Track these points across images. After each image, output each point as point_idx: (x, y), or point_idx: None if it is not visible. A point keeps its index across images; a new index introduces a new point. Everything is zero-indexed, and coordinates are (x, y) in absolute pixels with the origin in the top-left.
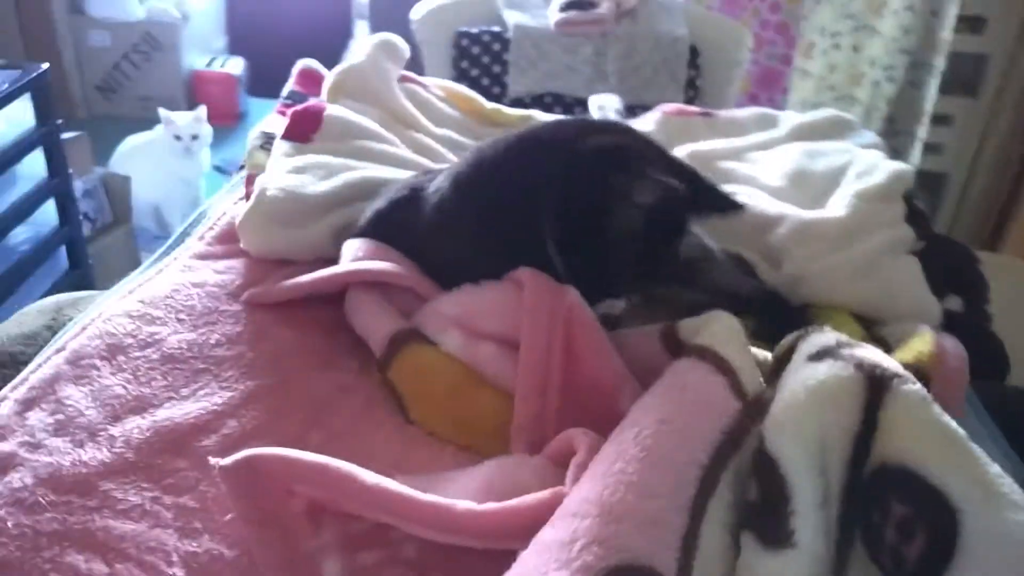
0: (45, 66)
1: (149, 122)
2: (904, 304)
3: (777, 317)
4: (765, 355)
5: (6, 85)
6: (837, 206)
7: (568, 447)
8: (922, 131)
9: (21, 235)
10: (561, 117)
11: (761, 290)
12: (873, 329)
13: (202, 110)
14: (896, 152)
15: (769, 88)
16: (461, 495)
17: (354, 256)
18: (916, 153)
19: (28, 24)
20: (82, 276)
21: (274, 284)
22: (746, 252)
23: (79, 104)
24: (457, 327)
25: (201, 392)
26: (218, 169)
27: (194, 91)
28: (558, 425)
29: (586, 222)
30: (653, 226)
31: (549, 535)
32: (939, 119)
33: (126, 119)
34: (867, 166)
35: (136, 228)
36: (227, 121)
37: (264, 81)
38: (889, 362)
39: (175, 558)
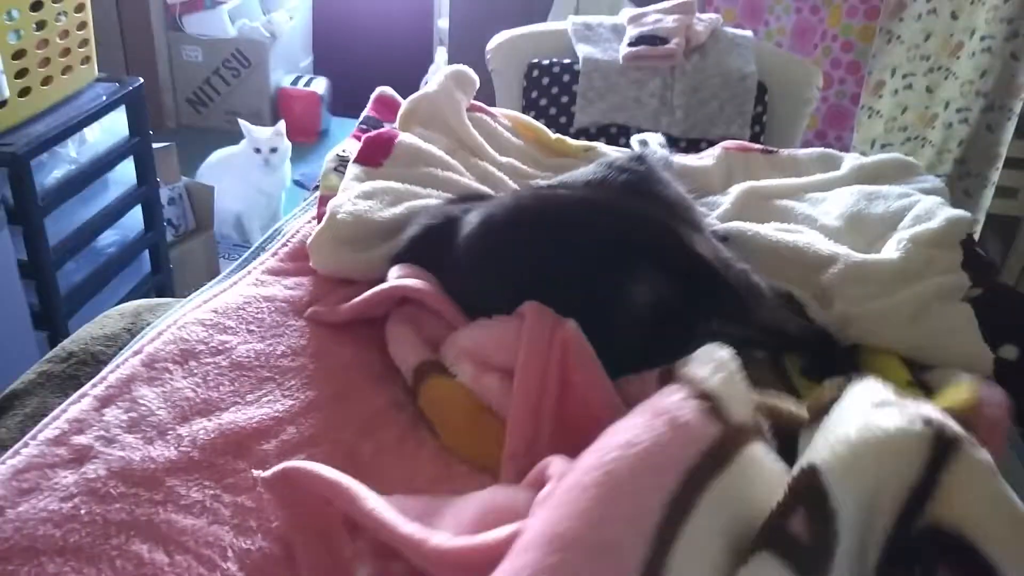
0: (140, 81)
1: (235, 135)
2: (954, 351)
3: (825, 356)
4: (787, 406)
5: (104, 97)
6: (891, 249)
7: (543, 476)
8: (995, 174)
9: (109, 238)
10: (591, 197)
11: (809, 329)
12: (919, 374)
13: (281, 125)
14: (967, 195)
15: (838, 127)
16: (455, 521)
17: (401, 272)
18: (988, 196)
19: (129, 38)
20: (163, 280)
21: (336, 302)
22: (796, 290)
23: (170, 115)
24: (469, 359)
25: (265, 399)
26: (298, 184)
27: (279, 107)
28: (550, 454)
29: (593, 307)
30: (657, 322)
31: (502, 571)
32: (1013, 162)
33: (213, 131)
34: (925, 211)
35: (218, 236)
36: (309, 138)
37: (345, 101)
38: (956, 424)
39: (230, 554)
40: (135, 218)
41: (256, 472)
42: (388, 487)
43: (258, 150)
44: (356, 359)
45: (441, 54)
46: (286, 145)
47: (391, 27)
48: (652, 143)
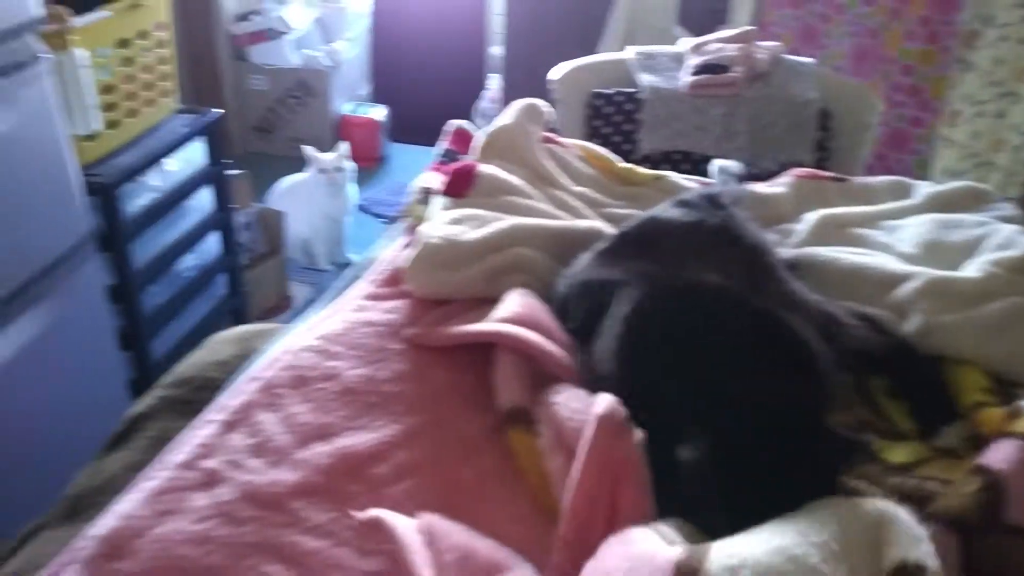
0: (218, 112)
1: (299, 161)
2: None
3: (910, 370)
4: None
5: (184, 128)
6: (972, 271)
7: None
8: None
9: (188, 262)
10: (727, 293)
11: (891, 345)
12: (1008, 389)
13: (344, 146)
14: None
15: (898, 149)
16: None
17: (508, 312)
18: None
19: (196, 69)
20: (238, 302)
21: (433, 322)
22: (868, 309)
23: (237, 142)
24: (553, 428)
25: (374, 423)
26: (361, 208)
27: (340, 134)
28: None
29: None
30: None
31: None
32: None
33: (278, 158)
34: (1006, 239)
35: (286, 259)
36: (369, 164)
37: (403, 127)
38: None
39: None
40: (213, 243)
41: (353, 512)
42: (493, 511)
43: (323, 171)
44: (452, 383)
45: (494, 81)
46: (350, 165)
47: (445, 55)
48: (731, 172)
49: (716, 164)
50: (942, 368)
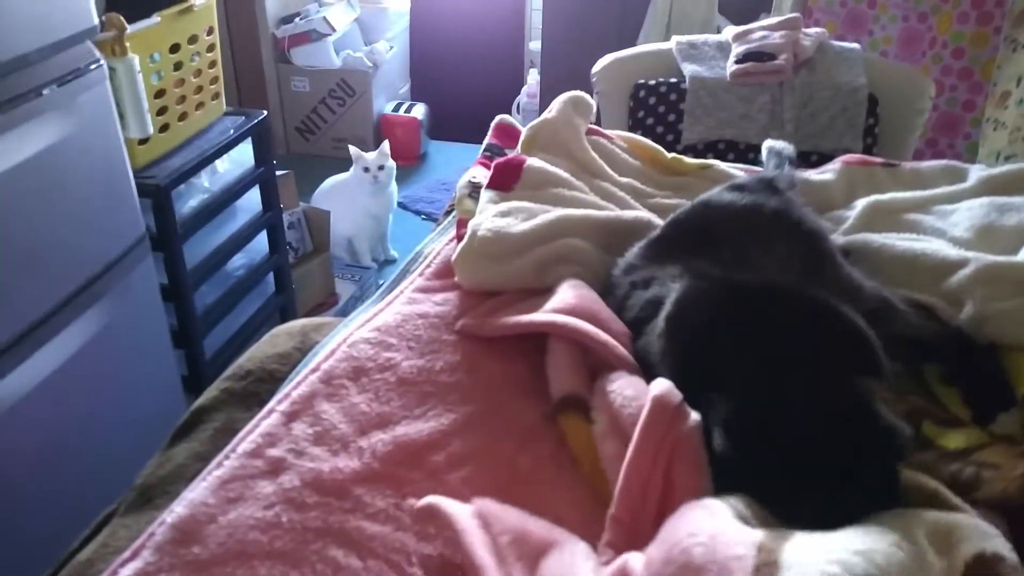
0: (264, 114)
1: (341, 161)
2: None
3: (964, 358)
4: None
5: (232, 130)
6: None
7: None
8: None
9: (238, 262)
10: (779, 288)
11: (945, 333)
12: None
13: (386, 144)
14: None
15: (950, 134)
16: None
17: (562, 303)
18: None
19: (241, 71)
20: (286, 300)
21: (484, 313)
22: (921, 296)
23: (280, 143)
24: (607, 414)
25: (430, 413)
26: (402, 206)
27: (382, 133)
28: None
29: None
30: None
31: None
32: None
33: (321, 158)
34: None
35: (331, 257)
36: (409, 161)
37: (442, 125)
38: None
39: (415, 559)
40: (260, 242)
41: (411, 501)
42: (549, 497)
43: (367, 169)
44: (506, 373)
45: (533, 76)
46: (391, 164)
47: (484, 51)
48: (785, 155)
49: (767, 145)
50: (999, 355)
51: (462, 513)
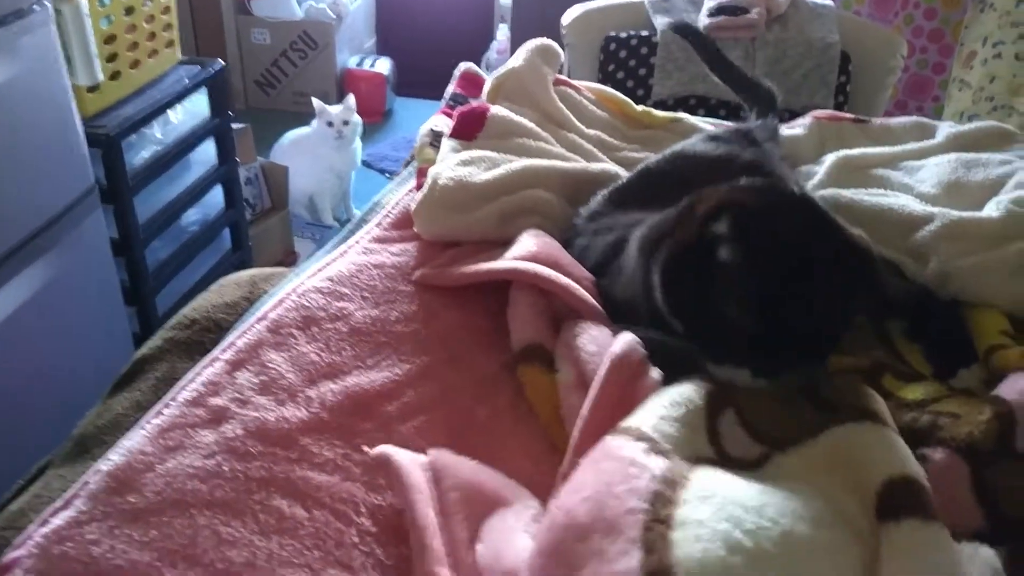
0: (221, 63)
1: (303, 116)
2: None
3: (928, 315)
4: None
5: (187, 80)
6: (991, 211)
7: None
8: None
9: (192, 217)
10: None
11: (909, 290)
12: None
13: (351, 98)
14: None
15: (918, 96)
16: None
17: (524, 251)
18: None
19: (199, 22)
20: (243, 257)
21: (443, 263)
22: (889, 252)
23: (239, 97)
24: (573, 366)
25: (384, 363)
26: (366, 164)
27: (345, 88)
28: None
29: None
30: None
31: None
32: None
33: (281, 113)
34: None
35: (290, 214)
36: (374, 118)
37: (408, 81)
38: None
39: (363, 509)
40: (216, 197)
41: (365, 448)
42: (506, 448)
43: (330, 123)
44: (465, 323)
45: (503, 31)
46: (357, 119)
47: (452, 5)
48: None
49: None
50: (961, 311)
51: (413, 465)
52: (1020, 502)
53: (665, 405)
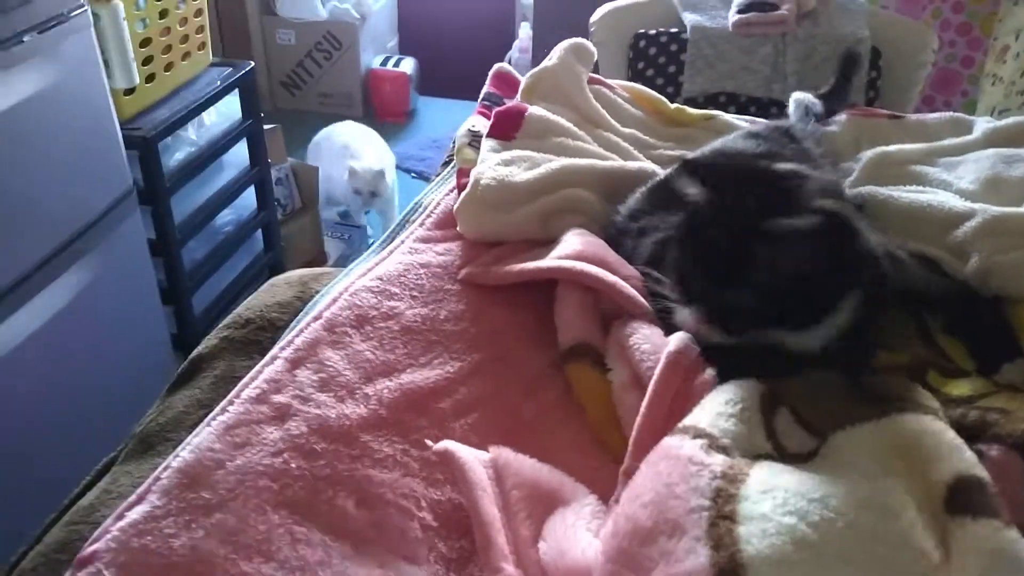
0: (251, 64)
1: (327, 116)
2: None
3: (968, 311)
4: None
5: (219, 82)
6: None
7: None
8: None
9: (225, 217)
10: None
11: (951, 287)
12: None
13: (390, 167)
14: None
15: (947, 91)
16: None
17: (570, 249)
18: None
19: (225, 23)
20: (275, 257)
21: (487, 263)
22: (927, 248)
23: (265, 98)
24: (627, 365)
25: (435, 361)
26: None
27: (369, 88)
28: None
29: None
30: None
31: None
32: None
33: (307, 113)
34: None
35: (320, 215)
36: (398, 118)
37: (431, 80)
38: None
39: (424, 504)
40: (248, 198)
41: (428, 443)
42: (555, 444)
43: (358, 192)
44: (512, 322)
45: (525, 30)
46: (388, 187)
47: (474, 4)
48: (810, 104)
49: (794, 97)
50: (1005, 307)
51: (475, 463)
52: None
53: (721, 403)
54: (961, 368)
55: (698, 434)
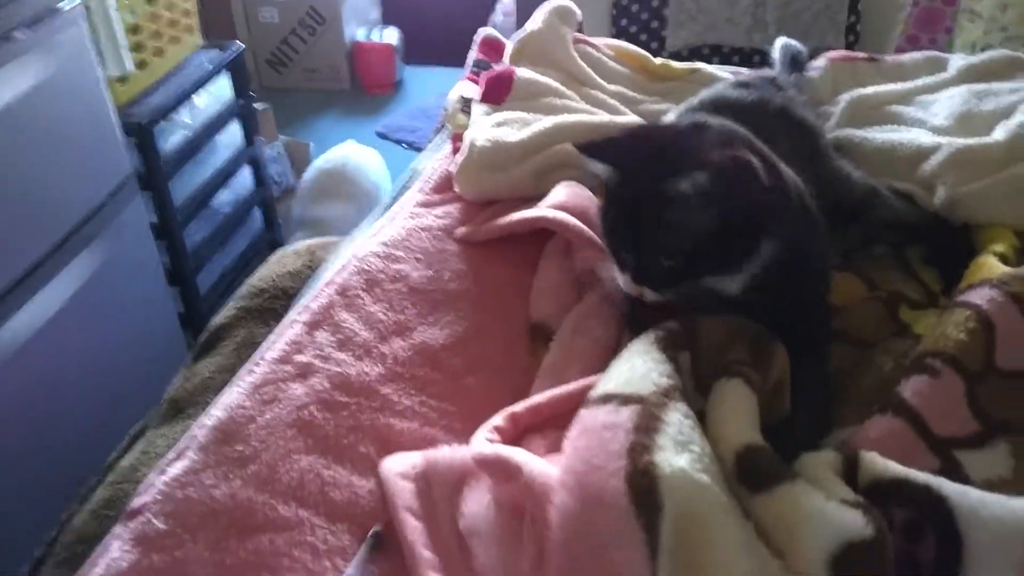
0: (241, 46)
1: (316, 92)
2: None
3: (942, 240)
4: None
5: (209, 64)
6: (998, 135)
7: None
8: None
9: (223, 198)
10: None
11: (923, 217)
12: None
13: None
14: None
15: (931, 29)
16: None
17: (554, 200)
18: None
19: (208, 4)
20: (274, 235)
21: (482, 221)
22: (900, 184)
23: (252, 77)
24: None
25: (444, 320)
26: (380, 135)
27: (355, 61)
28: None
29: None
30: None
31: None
32: None
33: (294, 91)
34: None
35: None
36: (385, 90)
37: (416, 49)
38: None
39: None
40: (244, 178)
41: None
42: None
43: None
44: (511, 279)
45: None
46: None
47: None
48: (796, 52)
49: (779, 43)
50: (975, 233)
51: (398, 481)
52: (1007, 407)
53: (623, 360)
54: (932, 292)
55: (608, 398)
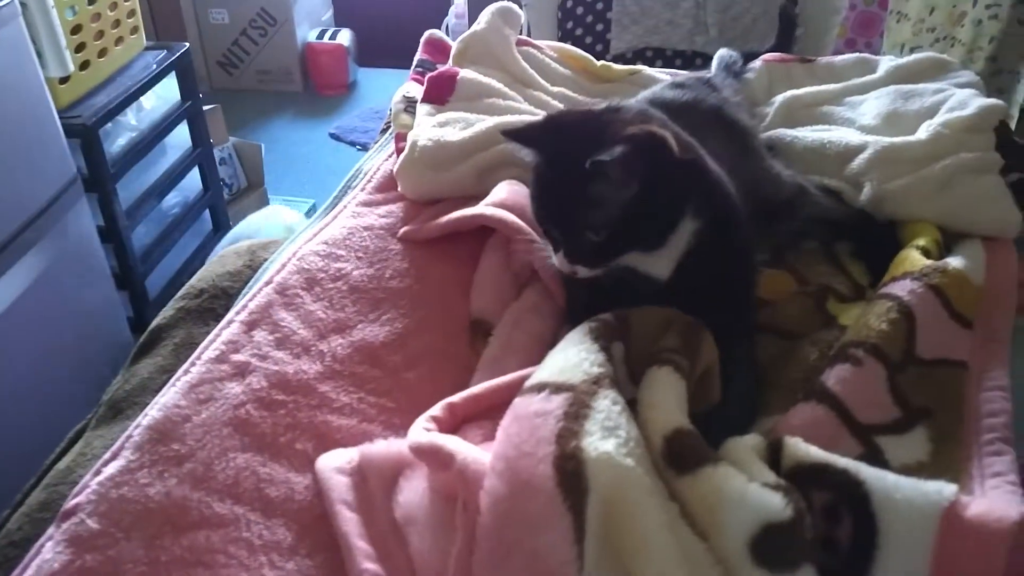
0: (186, 46)
1: (267, 94)
2: (984, 216)
3: (869, 235)
4: None
5: (155, 65)
6: (921, 134)
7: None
8: None
9: (172, 200)
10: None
11: (850, 213)
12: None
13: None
14: (1000, 92)
15: (867, 33)
16: None
17: (495, 198)
18: (1021, 91)
19: (156, 4)
20: (224, 237)
21: (424, 220)
22: (829, 181)
23: (203, 79)
24: (502, 345)
25: (384, 317)
26: (334, 136)
27: (308, 63)
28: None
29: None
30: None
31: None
32: None
33: (246, 92)
34: (959, 102)
35: (266, 192)
36: (339, 91)
37: (369, 51)
38: None
39: None
40: (194, 180)
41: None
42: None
43: None
44: (454, 277)
45: None
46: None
47: None
48: (730, 58)
49: (718, 55)
50: (900, 228)
51: (334, 475)
52: (927, 394)
53: (558, 351)
54: (859, 285)
55: (541, 387)
